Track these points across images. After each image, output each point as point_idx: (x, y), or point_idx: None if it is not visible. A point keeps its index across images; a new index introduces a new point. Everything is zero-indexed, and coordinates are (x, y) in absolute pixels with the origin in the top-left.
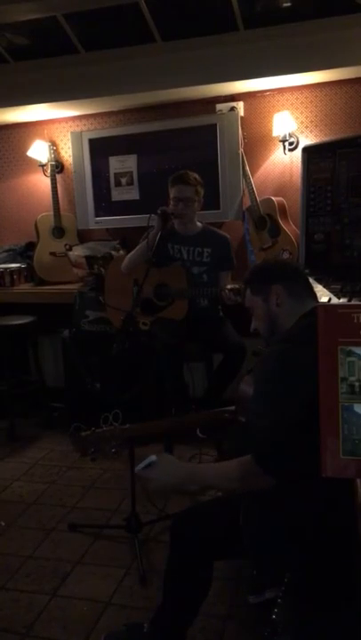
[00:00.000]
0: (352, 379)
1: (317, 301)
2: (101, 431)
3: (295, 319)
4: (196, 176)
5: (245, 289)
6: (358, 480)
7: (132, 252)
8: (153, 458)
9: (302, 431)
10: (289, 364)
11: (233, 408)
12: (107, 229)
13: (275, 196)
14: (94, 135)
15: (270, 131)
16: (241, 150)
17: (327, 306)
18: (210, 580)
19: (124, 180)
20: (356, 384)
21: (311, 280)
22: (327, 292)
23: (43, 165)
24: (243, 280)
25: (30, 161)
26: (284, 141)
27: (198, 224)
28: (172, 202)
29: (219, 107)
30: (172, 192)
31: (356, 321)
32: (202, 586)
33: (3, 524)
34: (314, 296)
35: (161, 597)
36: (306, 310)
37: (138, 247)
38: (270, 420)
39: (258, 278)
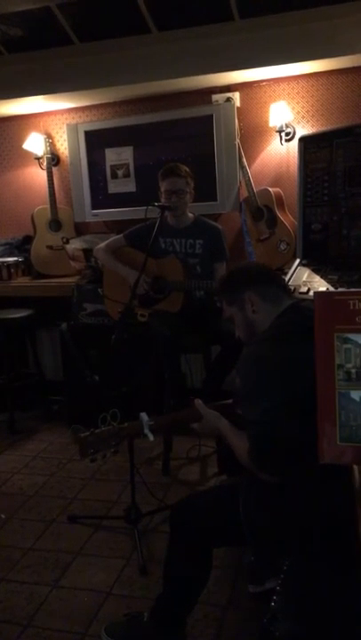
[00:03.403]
0: (349, 366)
1: (292, 296)
2: (99, 432)
3: (273, 318)
4: (187, 168)
5: (222, 301)
6: (356, 466)
7: (117, 264)
8: (145, 418)
9: (291, 425)
10: (265, 363)
11: (230, 401)
12: (104, 222)
13: (272, 186)
14: (90, 127)
15: (267, 121)
16: (237, 141)
17: (323, 293)
18: (209, 567)
19: (120, 172)
20: (353, 371)
21: (309, 271)
22: (325, 283)
23: (39, 158)
24: (216, 292)
25: (26, 154)
26: (280, 132)
27: (190, 215)
28: (164, 195)
29: (215, 97)
30: (164, 185)
31: (352, 307)
32: (202, 574)
33: (3, 516)
34: (289, 294)
35: (161, 587)
36: (281, 310)
37: (124, 269)
38: (258, 415)
39: (229, 289)
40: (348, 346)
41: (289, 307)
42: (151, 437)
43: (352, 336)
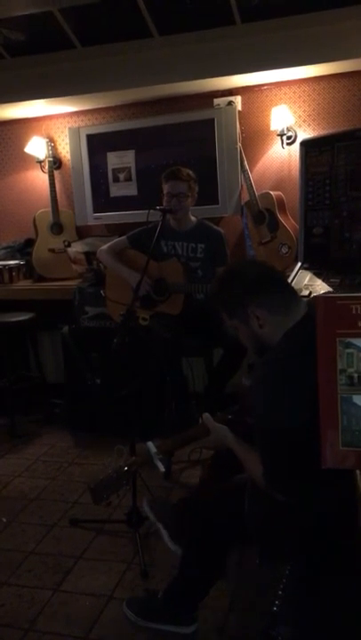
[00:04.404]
0: (351, 370)
1: (301, 300)
2: (107, 477)
3: (283, 332)
4: (190, 172)
5: (220, 311)
6: (358, 471)
7: (119, 266)
8: (152, 449)
9: (303, 447)
10: (281, 386)
11: (236, 408)
12: (105, 225)
13: (273, 190)
14: (92, 131)
15: (268, 125)
16: (239, 145)
17: (326, 297)
18: (225, 561)
19: (122, 176)
20: (355, 375)
21: (310, 274)
22: (326, 287)
23: (40, 162)
24: (213, 302)
25: (28, 157)
26: (282, 135)
27: (193, 219)
28: (165, 198)
29: (216, 101)
30: (166, 188)
31: (354, 312)
32: (217, 566)
33: (4, 520)
34: (296, 296)
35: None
36: (291, 324)
37: (126, 270)
38: (270, 441)
39: (229, 302)
40: (351, 350)
41: (305, 317)
42: (162, 468)
43: (354, 341)
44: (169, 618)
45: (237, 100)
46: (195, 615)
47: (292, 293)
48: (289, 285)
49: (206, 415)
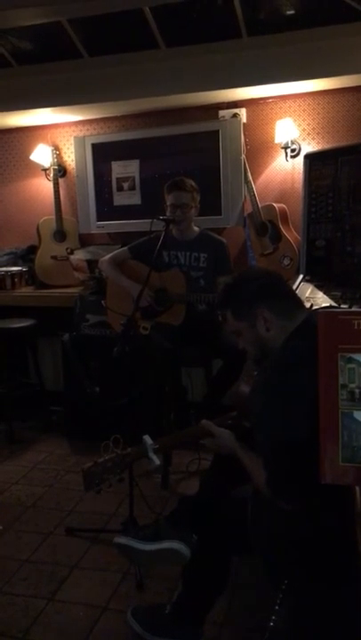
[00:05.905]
0: (352, 385)
1: (305, 308)
2: (103, 461)
3: (285, 336)
4: (192, 182)
5: (225, 312)
6: (357, 487)
7: (120, 277)
8: (148, 441)
9: (306, 455)
10: (283, 394)
11: (234, 414)
12: (108, 234)
13: (276, 202)
14: (97, 140)
15: (272, 137)
16: (243, 156)
17: (328, 312)
18: (229, 572)
19: (126, 185)
20: (357, 391)
21: (312, 287)
22: (328, 299)
23: (45, 169)
24: (218, 302)
25: (33, 165)
26: (286, 148)
27: (196, 229)
28: (169, 209)
29: (221, 113)
30: (169, 199)
31: (356, 327)
32: (221, 577)
33: (0, 527)
34: (301, 304)
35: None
36: (292, 329)
37: (127, 282)
38: (272, 448)
39: (239, 301)
40: (352, 366)
41: (303, 323)
42: (156, 461)
43: (356, 356)
44: (178, 633)
45: (242, 112)
46: (202, 630)
47: (298, 300)
48: (295, 293)
49: (206, 421)
